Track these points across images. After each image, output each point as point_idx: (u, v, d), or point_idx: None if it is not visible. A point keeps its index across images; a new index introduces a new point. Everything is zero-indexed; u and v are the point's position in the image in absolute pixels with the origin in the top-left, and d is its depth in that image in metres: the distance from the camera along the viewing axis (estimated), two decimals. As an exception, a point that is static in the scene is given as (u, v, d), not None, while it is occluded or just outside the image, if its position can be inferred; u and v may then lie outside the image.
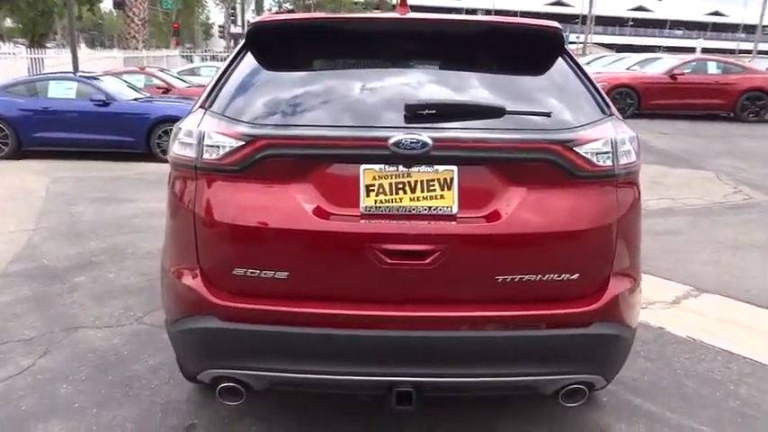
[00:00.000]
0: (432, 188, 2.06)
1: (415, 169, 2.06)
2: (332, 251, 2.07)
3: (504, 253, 2.07)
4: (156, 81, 13.64)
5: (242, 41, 2.46)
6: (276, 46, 2.37)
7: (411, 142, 1.99)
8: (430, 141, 1.99)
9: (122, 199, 7.04)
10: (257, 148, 2.05)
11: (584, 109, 2.19)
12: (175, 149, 2.25)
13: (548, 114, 2.11)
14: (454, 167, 2.05)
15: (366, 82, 2.27)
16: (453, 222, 2.06)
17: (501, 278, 2.07)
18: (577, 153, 2.07)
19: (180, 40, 48.52)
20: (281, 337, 2.08)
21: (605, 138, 2.11)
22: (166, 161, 2.41)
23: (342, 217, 2.06)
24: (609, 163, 2.11)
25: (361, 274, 2.06)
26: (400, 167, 2.05)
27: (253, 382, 2.18)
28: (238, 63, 2.35)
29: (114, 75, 11.93)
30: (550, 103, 2.19)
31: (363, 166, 2.06)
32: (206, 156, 2.12)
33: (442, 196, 2.06)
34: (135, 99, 10.05)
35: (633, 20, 77.88)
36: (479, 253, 2.06)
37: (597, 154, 2.09)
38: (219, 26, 61.87)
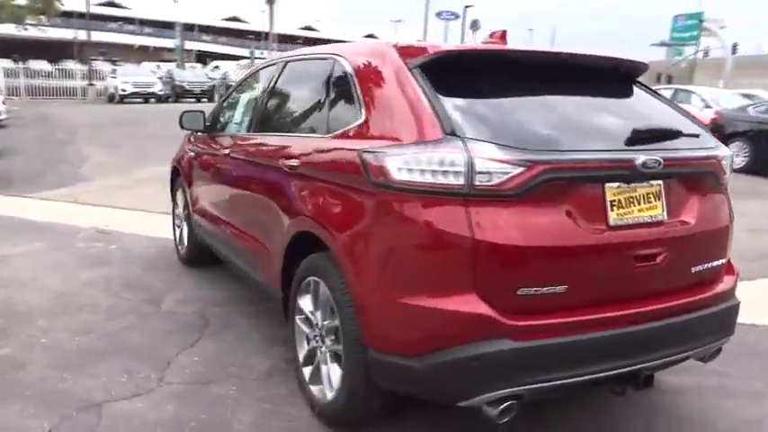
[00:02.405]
0: (649, 200, 2.47)
1: (634, 185, 2.44)
2: (598, 262, 2.34)
3: (695, 248, 2.60)
4: None
5: (420, 65, 2.50)
6: (482, 73, 2.54)
7: (652, 162, 2.38)
8: (662, 160, 2.41)
9: None
10: (538, 173, 2.21)
11: (701, 130, 2.82)
12: (421, 177, 2.24)
13: (697, 135, 2.70)
14: (660, 182, 2.50)
15: (568, 107, 2.58)
16: (664, 227, 2.50)
17: (694, 269, 2.59)
18: (721, 165, 2.71)
19: None
20: (566, 346, 2.26)
21: (727, 153, 2.79)
22: None
23: (597, 230, 2.34)
24: (728, 173, 2.80)
25: (616, 278, 2.38)
26: (628, 184, 2.42)
27: (529, 394, 2.29)
28: (438, 85, 2.42)
29: None
30: (683, 125, 2.76)
31: (607, 185, 2.37)
32: (478, 182, 2.18)
33: (655, 206, 2.49)
34: None
35: (303, 38, 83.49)
36: (684, 250, 2.55)
37: (726, 165, 2.76)
38: None
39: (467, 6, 41.26)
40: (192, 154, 4.78)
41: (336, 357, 2.72)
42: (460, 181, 2.19)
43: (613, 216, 2.38)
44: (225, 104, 4.53)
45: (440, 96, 2.39)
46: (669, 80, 36.99)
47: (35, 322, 3.94)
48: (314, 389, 2.90)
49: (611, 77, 2.89)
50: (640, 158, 2.37)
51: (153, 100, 26.34)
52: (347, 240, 2.52)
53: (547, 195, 2.26)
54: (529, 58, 2.68)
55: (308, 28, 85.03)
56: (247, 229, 3.60)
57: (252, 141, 3.65)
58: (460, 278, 2.21)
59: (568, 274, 2.29)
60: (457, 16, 52.24)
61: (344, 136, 2.72)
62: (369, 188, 2.43)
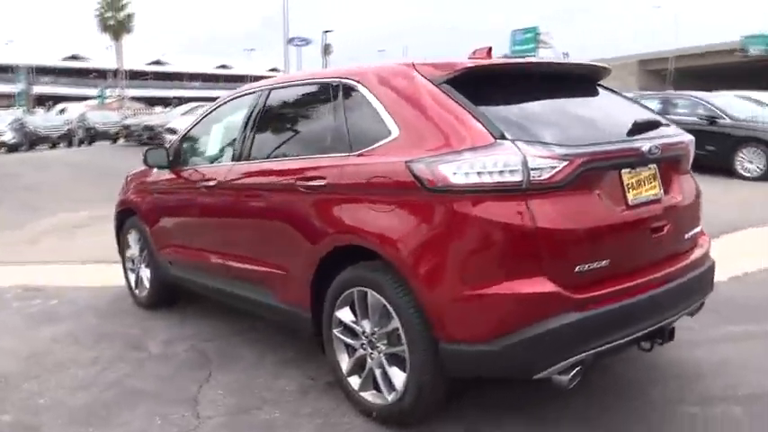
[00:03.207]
0: (650, 182, 2.91)
1: (639, 169, 2.87)
2: (628, 235, 2.75)
3: (685, 218, 3.08)
4: None
5: (447, 80, 2.80)
6: (500, 83, 2.88)
7: (654, 148, 2.82)
8: (660, 147, 2.85)
9: None
10: (578, 165, 2.55)
11: (668, 121, 3.33)
12: (479, 179, 2.50)
13: (669, 125, 3.20)
14: (655, 165, 2.94)
15: (576, 107, 2.98)
16: (663, 203, 2.95)
17: (686, 235, 3.07)
18: (689, 149, 3.23)
19: None
20: (616, 311, 2.61)
21: (692, 139, 3.31)
22: None
23: (622, 209, 2.74)
24: (692, 155, 3.32)
25: (641, 248, 2.81)
26: (635, 169, 2.84)
27: (590, 358, 2.60)
28: (469, 96, 2.72)
29: None
30: (658, 117, 3.25)
31: (623, 171, 2.77)
32: (532, 178, 2.48)
33: (654, 186, 2.93)
34: None
35: (153, 73, 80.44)
36: (679, 221, 3.01)
37: (692, 150, 3.28)
38: None
39: (326, 31, 42.14)
40: (158, 193, 4.65)
41: (394, 359, 2.87)
42: (517, 178, 2.47)
43: (630, 197, 2.78)
44: (187, 139, 4.49)
45: (475, 106, 2.68)
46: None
47: (20, 387, 3.67)
48: (366, 395, 3.02)
49: (592, 80, 3.34)
50: (646, 146, 2.81)
51: (3, 150, 24.21)
52: (406, 246, 2.69)
53: (583, 184, 2.61)
54: (536, 68, 3.06)
55: (158, 62, 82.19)
56: (256, 256, 3.62)
57: (249, 169, 3.66)
58: (528, 264, 2.49)
59: (610, 248, 2.66)
60: (308, 42, 52.96)
61: (377, 151, 2.89)
62: (422, 195, 2.64)
